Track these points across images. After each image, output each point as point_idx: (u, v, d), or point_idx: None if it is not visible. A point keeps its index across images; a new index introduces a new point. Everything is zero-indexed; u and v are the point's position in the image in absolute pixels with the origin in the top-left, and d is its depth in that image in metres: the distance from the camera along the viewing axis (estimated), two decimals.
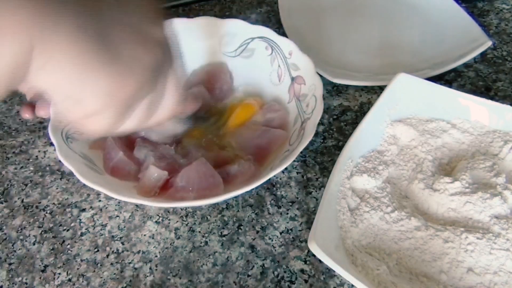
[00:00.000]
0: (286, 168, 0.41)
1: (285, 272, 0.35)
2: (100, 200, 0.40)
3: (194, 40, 0.48)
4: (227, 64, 0.48)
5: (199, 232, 0.38)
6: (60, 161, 0.43)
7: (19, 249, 0.37)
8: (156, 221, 0.38)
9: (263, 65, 0.47)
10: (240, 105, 0.45)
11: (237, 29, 0.47)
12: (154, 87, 0.24)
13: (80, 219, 0.39)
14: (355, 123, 0.45)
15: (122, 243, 0.37)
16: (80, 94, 0.21)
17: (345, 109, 0.47)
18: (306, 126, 0.39)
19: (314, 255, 0.33)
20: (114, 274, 0.35)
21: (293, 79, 0.44)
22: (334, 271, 0.33)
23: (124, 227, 0.38)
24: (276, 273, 0.35)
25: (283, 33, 0.46)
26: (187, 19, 0.47)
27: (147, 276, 0.35)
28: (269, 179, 0.41)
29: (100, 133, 0.24)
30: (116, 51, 0.21)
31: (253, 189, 0.35)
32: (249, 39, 0.47)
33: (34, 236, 0.38)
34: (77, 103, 0.21)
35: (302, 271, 0.35)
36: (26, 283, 0.35)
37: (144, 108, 0.25)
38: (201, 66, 0.48)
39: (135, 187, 0.37)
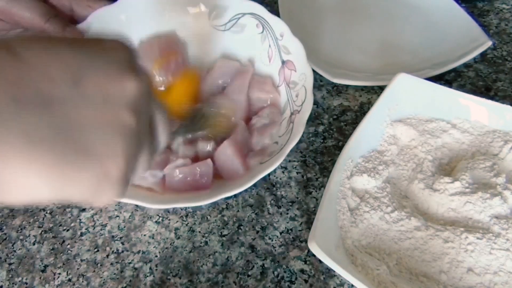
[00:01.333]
0: (286, 168, 0.41)
1: (285, 272, 0.35)
2: None
3: (183, 11, 0.46)
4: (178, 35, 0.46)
5: (199, 232, 0.38)
6: None
7: (19, 249, 0.37)
8: (156, 221, 0.38)
9: (254, 43, 0.45)
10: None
11: (227, 2, 0.46)
12: (143, 144, 0.23)
13: (80, 219, 0.39)
14: (355, 123, 0.45)
15: (122, 243, 0.37)
16: (67, 194, 0.19)
17: (345, 109, 0.47)
18: (295, 119, 0.39)
19: (314, 255, 0.33)
20: (114, 274, 0.35)
21: (283, 62, 0.43)
22: (334, 271, 0.33)
23: (124, 227, 0.38)
24: (276, 273, 0.35)
25: None
26: None
27: (147, 276, 0.35)
28: (269, 178, 0.41)
29: (113, 200, 0.22)
30: (80, 139, 0.19)
31: (248, 188, 0.35)
32: (239, 14, 0.46)
33: (34, 236, 0.38)
34: (69, 198, 0.19)
35: (302, 271, 0.35)
36: (26, 283, 0.35)
37: (140, 164, 0.23)
38: (147, 37, 0.45)
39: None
